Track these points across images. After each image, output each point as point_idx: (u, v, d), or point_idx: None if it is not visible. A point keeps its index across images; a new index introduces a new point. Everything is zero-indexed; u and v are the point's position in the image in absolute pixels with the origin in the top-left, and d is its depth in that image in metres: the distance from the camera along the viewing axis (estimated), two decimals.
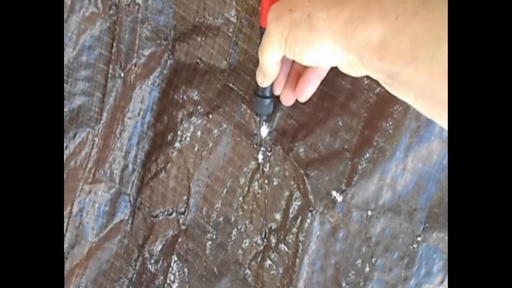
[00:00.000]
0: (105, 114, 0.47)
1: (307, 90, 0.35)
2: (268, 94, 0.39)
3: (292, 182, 0.42)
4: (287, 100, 0.38)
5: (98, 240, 0.49)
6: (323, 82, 0.40)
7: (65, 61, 0.45)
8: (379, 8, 0.24)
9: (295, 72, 0.36)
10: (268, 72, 0.34)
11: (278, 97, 0.39)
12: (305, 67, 0.36)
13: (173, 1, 0.42)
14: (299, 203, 0.42)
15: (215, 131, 0.44)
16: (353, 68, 0.28)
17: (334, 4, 0.26)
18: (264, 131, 0.42)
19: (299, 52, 0.29)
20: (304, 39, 0.28)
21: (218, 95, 0.43)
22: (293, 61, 0.35)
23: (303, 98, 0.36)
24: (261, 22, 0.37)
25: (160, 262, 0.48)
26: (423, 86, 0.23)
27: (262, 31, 0.35)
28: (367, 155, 0.39)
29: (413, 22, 0.22)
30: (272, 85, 0.38)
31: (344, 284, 0.42)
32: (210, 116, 0.44)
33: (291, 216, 0.42)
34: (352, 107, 0.39)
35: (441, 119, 0.24)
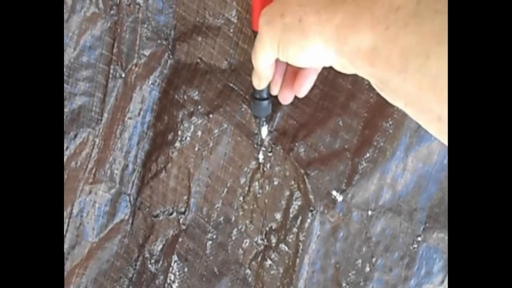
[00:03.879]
0: (105, 115, 0.47)
1: (306, 85, 0.36)
2: (265, 96, 0.39)
3: (293, 182, 0.42)
4: (286, 98, 0.38)
5: (98, 240, 0.49)
6: (323, 82, 0.40)
7: (66, 61, 0.45)
8: (369, 16, 0.24)
9: (291, 70, 0.37)
10: (263, 74, 0.35)
11: (276, 97, 0.39)
12: None
13: (173, 1, 0.42)
14: (299, 203, 0.42)
15: (216, 131, 0.44)
16: (346, 69, 0.28)
17: (325, 9, 0.26)
18: (265, 131, 0.42)
19: (292, 55, 0.29)
20: (296, 43, 0.28)
21: (218, 95, 0.43)
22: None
23: (302, 93, 0.36)
24: (253, 25, 0.37)
25: (161, 262, 0.48)
26: (412, 95, 0.23)
27: (254, 34, 0.35)
28: (368, 155, 0.39)
29: (403, 34, 0.23)
30: (268, 86, 0.38)
31: (344, 284, 0.42)
32: (211, 116, 0.44)
33: (291, 216, 0.42)
34: (353, 107, 0.39)
35: (429, 126, 0.24)
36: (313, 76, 0.36)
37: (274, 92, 0.38)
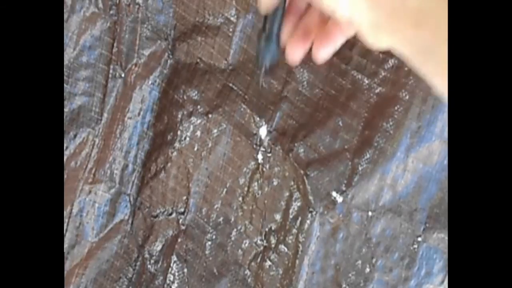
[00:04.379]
0: (105, 114, 0.47)
1: (329, 47, 0.29)
2: (274, 35, 0.31)
3: (292, 183, 0.42)
4: (293, 53, 0.31)
5: (98, 240, 0.49)
6: (323, 82, 0.40)
7: (66, 61, 0.45)
8: None
9: (307, 24, 0.31)
10: None
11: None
12: (321, 24, 0.29)
13: (173, 1, 0.42)
14: (299, 204, 0.42)
15: (215, 131, 0.44)
16: (376, 31, 0.22)
17: None
18: (264, 131, 0.42)
19: None
20: None
21: (218, 95, 0.43)
22: (302, 16, 0.29)
23: (321, 57, 0.30)
24: None
25: (160, 262, 0.48)
26: None
27: None
28: (368, 155, 0.39)
29: None
30: (279, 30, 0.31)
31: (344, 285, 0.42)
32: (210, 116, 0.44)
33: (291, 216, 0.42)
34: (353, 107, 0.39)
35: None
36: (339, 40, 0.29)
37: (285, 34, 0.31)
